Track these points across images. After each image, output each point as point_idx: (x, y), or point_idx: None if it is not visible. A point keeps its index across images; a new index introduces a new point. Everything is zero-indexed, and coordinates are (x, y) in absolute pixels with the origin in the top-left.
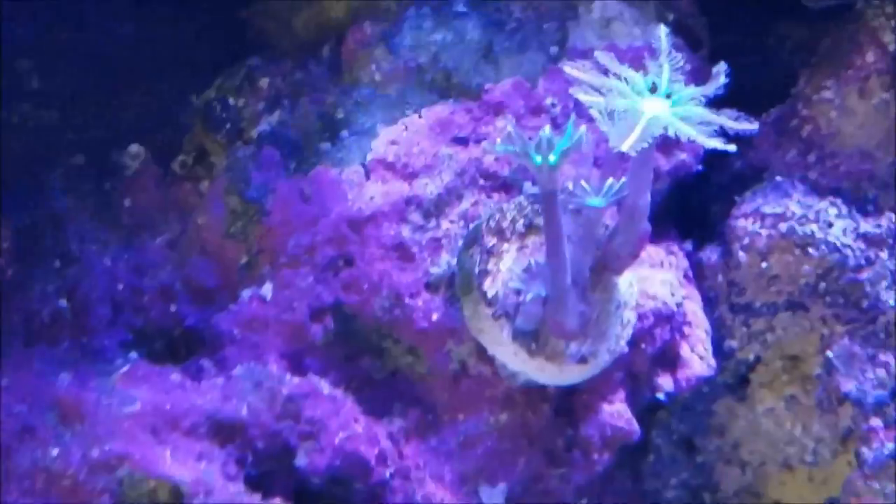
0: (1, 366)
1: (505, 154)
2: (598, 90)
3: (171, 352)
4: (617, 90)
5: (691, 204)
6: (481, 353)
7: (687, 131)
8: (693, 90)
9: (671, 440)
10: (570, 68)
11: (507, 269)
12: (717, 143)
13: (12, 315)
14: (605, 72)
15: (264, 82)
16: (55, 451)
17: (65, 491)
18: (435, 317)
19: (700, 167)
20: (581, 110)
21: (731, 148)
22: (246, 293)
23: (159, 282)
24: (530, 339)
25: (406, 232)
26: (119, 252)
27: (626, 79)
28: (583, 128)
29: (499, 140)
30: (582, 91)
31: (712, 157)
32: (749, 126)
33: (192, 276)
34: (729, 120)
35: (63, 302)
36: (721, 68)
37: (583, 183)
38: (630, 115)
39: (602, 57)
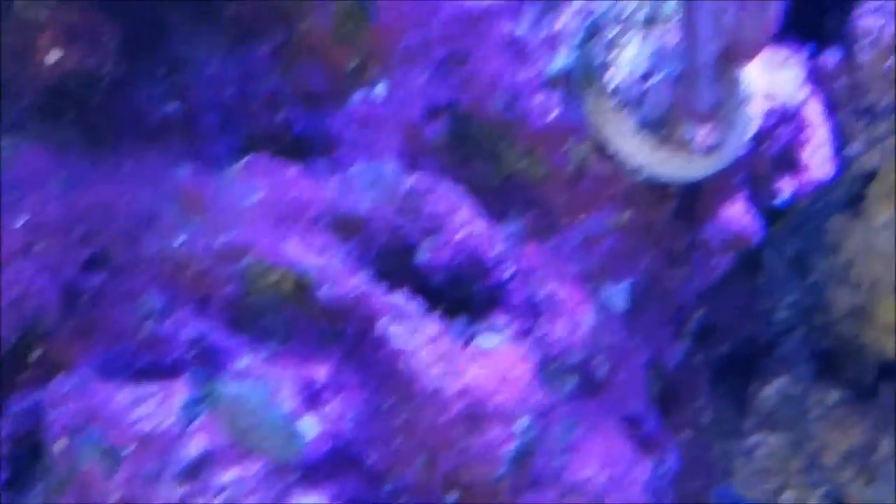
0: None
1: None
2: None
3: (283, 158)
4: None
5: (811, 14)
6: (602, 150)
7: None
8: None
9: (784, 259)
10: None
11: (630, 59)
12: None
13: (122, 116)
14: None
15: None
16: (180, 240)
17: (191, 279)
18: (553, 115)
19: None
20: None
21: None
22: (358, 95)
23: (267, 88)
24: (657, 128)
25: (521, 28)
26: (225, 57)
27: None
28: None
29: None
30: None
31: None
32: None
33: (301, 82)
34: None
35: (173, 105)
36: None
37: None
38: None
39: None
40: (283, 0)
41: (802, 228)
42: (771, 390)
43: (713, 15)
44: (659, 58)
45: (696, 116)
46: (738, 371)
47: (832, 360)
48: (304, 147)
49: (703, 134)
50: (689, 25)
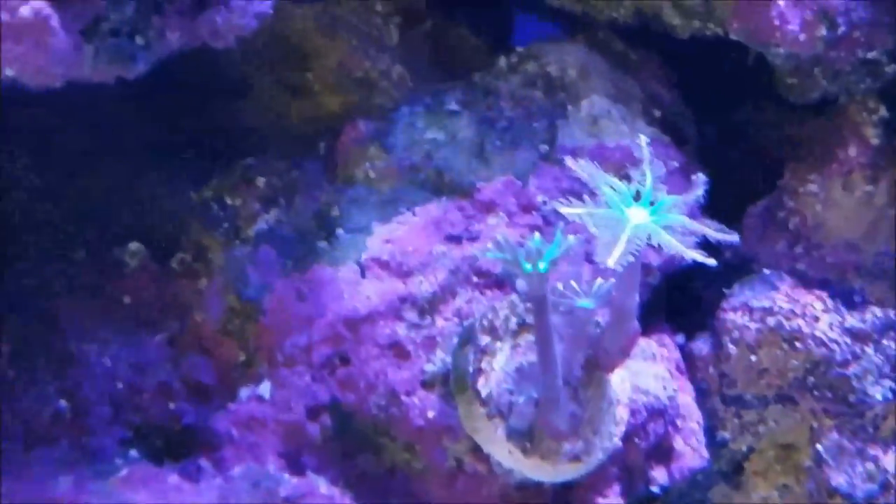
0: (1, 472)
1: (495, 260)
2: (587, 193)
3: (170, 449)
4: (604, 197)
5: (683, 294)
6: (477, 450)
7: (669, 242)
8: (675, 199)
9: None
10: (571, 161)
11: (500, 368)
12: (697, 256)
13: (12, 418)
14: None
15: (260, 181)
16: None
17: None
18: (431, 414)
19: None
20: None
21: (711, 262)
22: (244, 392)
23: (158, 380)
24: (525, 438)
25: (401, 330)
26: (118, 350)
27: (611, 186)
28: (571, 237)
29: (490, 246)
30: (566, 205)
31: (703, 249)
32: (730, 237)
33: (191, 375)
34: (711, 230)
35: (63, 403)
36: (700, 178)
37: (573, 284)
38: (615, 226)
39: (584, 167)
40: (178, 290)
41: (686, 498)
42: None
43: (575, 330)
44: (522, 376)
45: (558, 435)
46: None
47: None
48: (190, 440)
49: (568, 444)
50: (543, 355)
